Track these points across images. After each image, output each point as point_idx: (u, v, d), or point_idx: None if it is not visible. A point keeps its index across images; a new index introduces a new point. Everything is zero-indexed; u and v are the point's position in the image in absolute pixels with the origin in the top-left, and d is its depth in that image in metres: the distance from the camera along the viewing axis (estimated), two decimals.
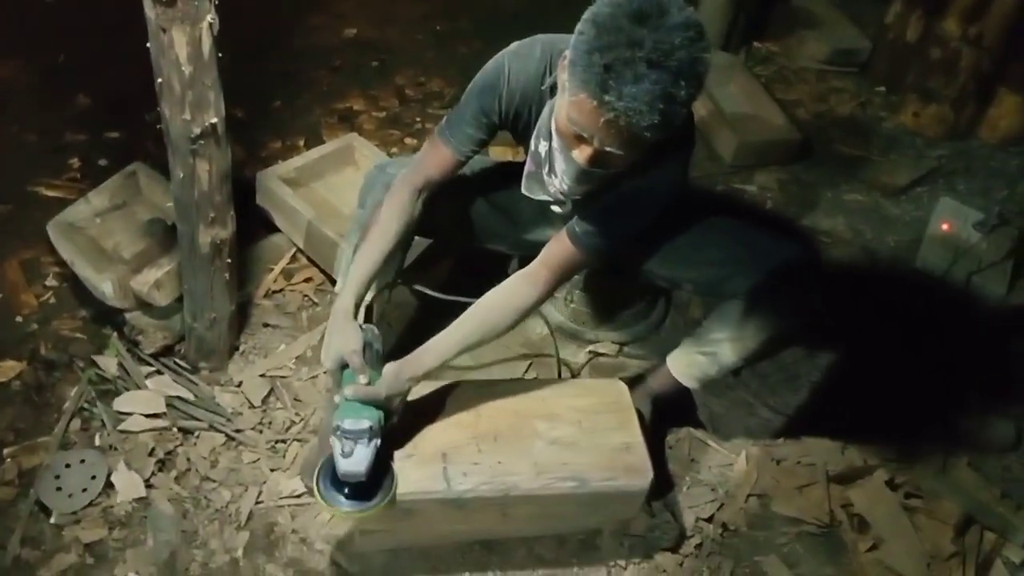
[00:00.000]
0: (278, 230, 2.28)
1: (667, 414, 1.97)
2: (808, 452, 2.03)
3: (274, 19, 3.20)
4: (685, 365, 1.84)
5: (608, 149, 1.30)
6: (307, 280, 2.24)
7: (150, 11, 1.35)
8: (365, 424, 1.41)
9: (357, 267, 1.58)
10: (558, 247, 1.55)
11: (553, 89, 1.47)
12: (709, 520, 1.88)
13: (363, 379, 1.46)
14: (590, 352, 2.17)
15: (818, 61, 3.40)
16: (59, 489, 1.74)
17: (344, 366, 1.50)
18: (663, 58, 1.18)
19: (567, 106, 1.30)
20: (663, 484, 1.89)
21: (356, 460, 1.40)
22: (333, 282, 2.20)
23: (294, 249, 2.28)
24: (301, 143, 2.68)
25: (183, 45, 1.38)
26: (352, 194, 2.26)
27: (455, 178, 1.66)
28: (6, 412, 1.88)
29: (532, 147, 1.56)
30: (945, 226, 2.68)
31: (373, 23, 3.30)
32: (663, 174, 1.48)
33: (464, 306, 1.59)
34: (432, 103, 2.95)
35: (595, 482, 1.62)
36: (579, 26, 1.26)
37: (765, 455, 2.01)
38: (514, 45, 1.53)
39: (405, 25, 3.32)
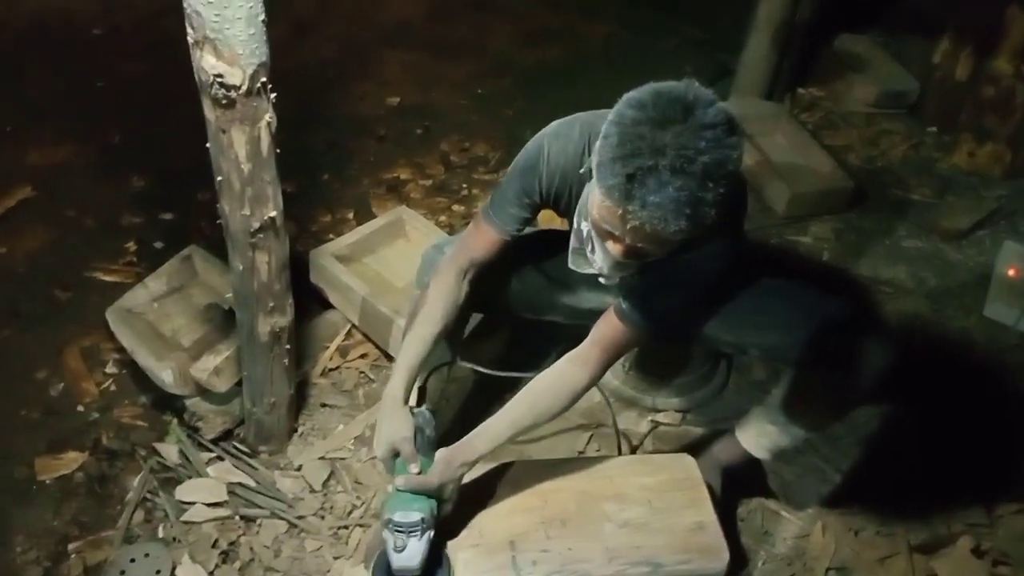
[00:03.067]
0: (332, 306, 2.28)
1: (737, 484, 1.91)
2: (887, 520, 1.95)
3: (318, 89, 3.24)
4: (756, 435, 1.78)
5: (640, 245, 1.29)
6: (363, 356, 2.23)
7: (210, 113, 1.36)
8: (416, 516, 1.38)
9: (406, 351, 1.57)
10: (607, 326, 1.52)
11: (591, 172, 1.46)
12: None
13: (414, 468, 1.43)
14: (652, 421, 2.12)
15: (866, 104, 3.34)
16: None
17: (396, 454, 1.47)
18: (687, 164, 1.15)
19: (596, 205, 1.29)
20: (737, 560, 1.81)
21: (409, 554, 1.37)
22: (389, 358, 2.19)
23: (349, 325, 2.27)
24: (350, 215, 2.69)
25: (243, 144, 1.38)
26: (404, 267, 2.28)
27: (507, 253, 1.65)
28: (70, 505, 1.88)
29: (575, 225, 1.54)
30: (1011, 271, 2.59)
31: (416, 89, 3.33)
32: (709, 248, 1.43)
33: (521, 381, 1.56)
34: (477, 168, 2.95)
35: (669, 566, 1.56)
36: (604, 128, 1.24)
37: (842, 525, 1.93)
38: (554, 125, 1.52)
39: (448, 89, 3.35)
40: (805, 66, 3.43)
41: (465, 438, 1.51)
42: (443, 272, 1.61)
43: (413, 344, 1.57)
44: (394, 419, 1.49)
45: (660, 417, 2.12)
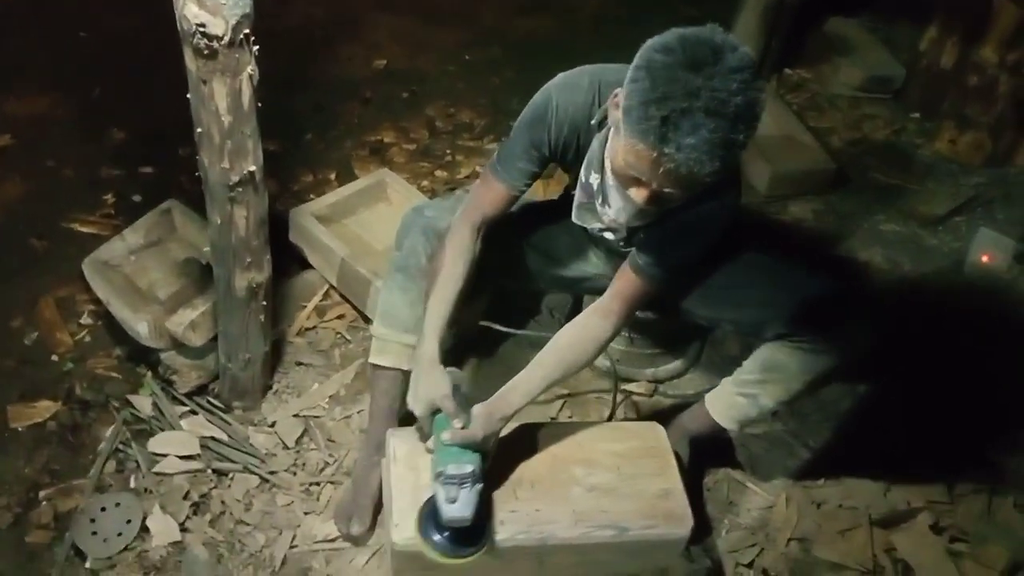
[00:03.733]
0: (311, 266, 2.28)
1: (704, 454, 1.94)
2: (850, 494, 1.99)
3: (305, 50, 3.22)
4: (725, 407, 1.81)
5: (666, 190, 1.30)
6: (340, 317, 2.24)
7: (191, 64, 1.35)
8: (468, 468, 1.41)
9: (433, 312, 1.57)
10: (625, 280, 1.55)
11: (601, 123, 1.47)
12: (749, 566, 1.84)
13: (458, 423, 1.45)
14: (624, 391, 2.14)
15: (852, 88, 3.36)
16: (94, 533, 1.73)
17: (435, 412, 1.49)
18: (721, 106, 1.17)
19: (623, 151, 1.29)
20: (702, 528, 1.84)
21: (462, 505, 1.39)
22: (366, 319, 2.19)
23: (327, 286, 2.27)
24: (332, 176, 2.68)
25: (223, 96, 1.38)
26: (385, 230, 2.27)
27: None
28: (42, 453, 1.88)
29: (583, 179, 1.55)
30: (985, 258, 2.63)
31: (404, 53, 3.31)
32: (718, 200, 1.47)
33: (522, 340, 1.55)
34: (462, 134, 2.94)
35: (634, 530, 1.59)
36: (631, 73, 1.24)
37: (805, 497, 1.97)
38: (560, 76, 1.53)
39: (436, 55, 3.33)
40: (793, 47, 3.44)
41: (499, 393, 1.53)
42: (456, 232, 1.61)
43: (438, 305, 1.58)
44: (432, 378, 1.50)
45: (632, 387, 2.15)
